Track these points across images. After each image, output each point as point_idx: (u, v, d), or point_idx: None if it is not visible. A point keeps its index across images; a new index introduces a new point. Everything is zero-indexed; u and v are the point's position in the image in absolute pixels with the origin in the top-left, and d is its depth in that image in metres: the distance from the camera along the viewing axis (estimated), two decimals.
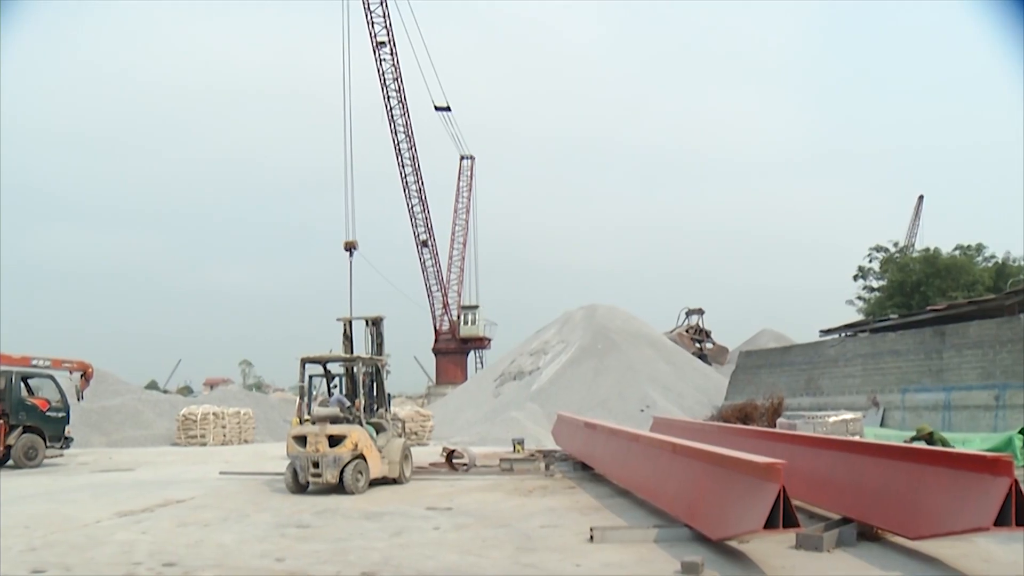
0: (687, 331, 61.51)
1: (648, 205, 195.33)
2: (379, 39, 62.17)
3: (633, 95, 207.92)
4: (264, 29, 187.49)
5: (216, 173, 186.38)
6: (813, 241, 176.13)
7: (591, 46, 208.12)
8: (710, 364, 55.82)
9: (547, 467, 20.65)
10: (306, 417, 17.95)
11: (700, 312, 63.58)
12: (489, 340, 75.70)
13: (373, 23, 61.58)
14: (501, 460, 21.46)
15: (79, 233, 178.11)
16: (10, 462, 24.10)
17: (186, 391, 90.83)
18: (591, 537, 11.03)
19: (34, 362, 25.46)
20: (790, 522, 8.87)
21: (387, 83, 63.88)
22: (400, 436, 19.37)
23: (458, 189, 76.62)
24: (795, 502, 9.06)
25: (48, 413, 24.95)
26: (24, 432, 24.24)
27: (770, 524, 8.80)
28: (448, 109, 67.86)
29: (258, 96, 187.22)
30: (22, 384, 24.83)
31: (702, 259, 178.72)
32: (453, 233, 76.20)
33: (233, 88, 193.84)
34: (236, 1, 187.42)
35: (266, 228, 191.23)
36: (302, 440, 17.06)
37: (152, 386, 77.41)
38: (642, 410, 36.44)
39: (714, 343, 62.82)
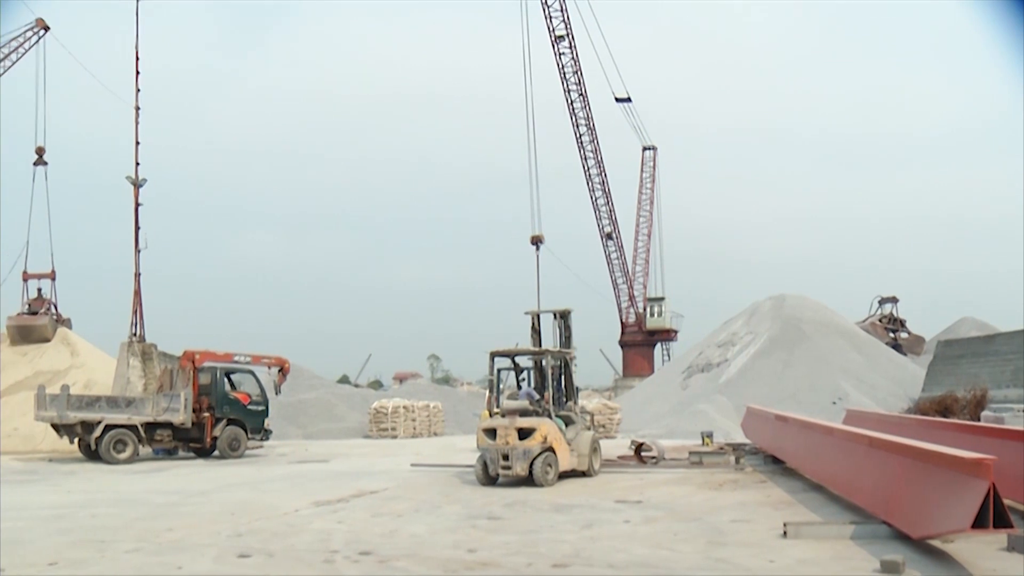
0: (880, 320, 59.17)
1: (836, 192, 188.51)
2: (557, 33, 62.46)
3: (816, 79, 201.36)
4: (438, 30, 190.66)
5: (400, 173, 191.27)
6: (1017, 224, 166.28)
7: (770, 31, 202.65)
8: (905, 355, 53.57)
9: (737, 460, 20.28)
10: (496, 410, 18.17)
11: (894, 300, 61.01)
12: (676, 332, 75.01)
13: (551, 17, 61.92)
14: (690, 453, 21.22)
15: (274, 238, 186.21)
16: (216, 452, 25.59)
17: (376, 385, 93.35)
18: (784, 532, 10.77)
19: (236, 358, 26.71)
20: (1001, 522, 8.39)
21: (567, 76, 64.13)
22: (589, 429, 19.36)
23: (641, 180, 76.18)
24: (1006, 501, 8.59)
25: (249, 407, 26.25)
26: (228, 424, 25.66)
27: (979, 524, 8.37)
28: (629, 100, 67.56)
29: (435, 96, 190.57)
30: (226, 379, 26.28)
31: (895, 246, 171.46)
32: (637, 225, 75.82)
33: (409, 90, 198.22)
34: (409, 4, 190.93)
35: (453, 225, 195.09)
36: (492, 433, 17.26)
37: (344, 380, 79.87)
38: (834, 402, 35.37)
39: (909, 332, 60.14)
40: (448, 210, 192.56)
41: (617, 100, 67.13)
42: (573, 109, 65.36)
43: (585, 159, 67.43)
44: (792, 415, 21.21)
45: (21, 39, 35.67)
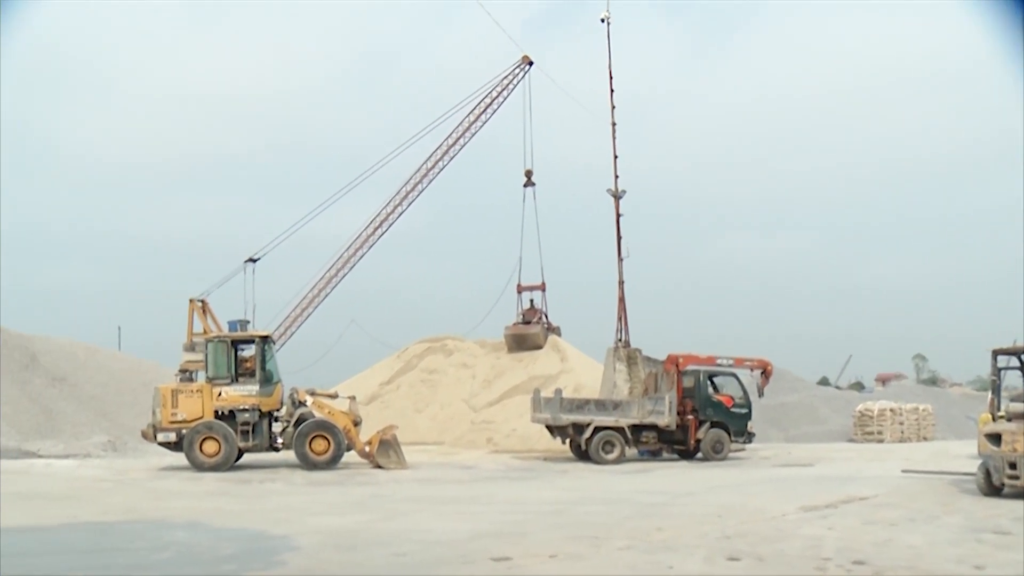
0: None
1: None
2: None
3: None
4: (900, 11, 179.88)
5: (871, 168, 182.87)
6: None
7: None
8: None
9: None
10: (999, 414, 16.76)
11: None
12: None
13: None
14: None
15: (749, 241, 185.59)
16: (699, 455, 26.03)
17: (858, 387, 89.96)
18: None
19: (719, 361, 27.09)
20: None
21: None
22: None
23: None
24: None
25: (733, 409, 26.47)
26: (712, 427, 26.04)
27: None
28: None
29: (897, 82, 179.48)
30: (709, 382, 26.69)
31: None
32: None
33: (870, 81, 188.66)
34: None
35: (933, 219, 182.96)
36: (996, 439, 15.91)
37: (823, 382, 77.77)
38: None
39: None
40: (926, 203, 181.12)
41: None
42: None
43: None
44: None
45: (510, 76, 38.81)
